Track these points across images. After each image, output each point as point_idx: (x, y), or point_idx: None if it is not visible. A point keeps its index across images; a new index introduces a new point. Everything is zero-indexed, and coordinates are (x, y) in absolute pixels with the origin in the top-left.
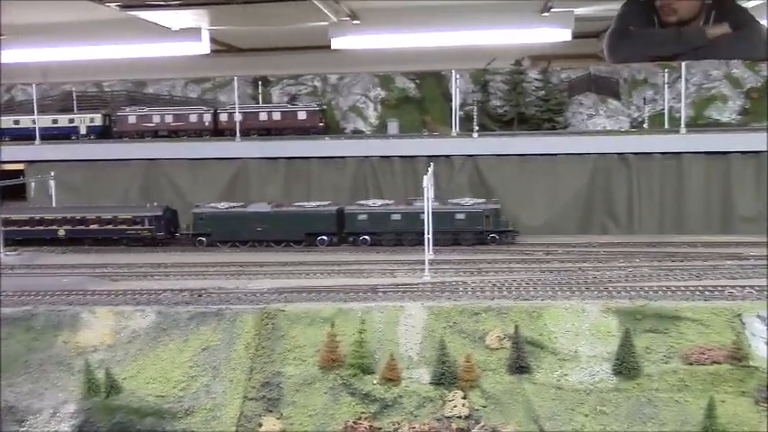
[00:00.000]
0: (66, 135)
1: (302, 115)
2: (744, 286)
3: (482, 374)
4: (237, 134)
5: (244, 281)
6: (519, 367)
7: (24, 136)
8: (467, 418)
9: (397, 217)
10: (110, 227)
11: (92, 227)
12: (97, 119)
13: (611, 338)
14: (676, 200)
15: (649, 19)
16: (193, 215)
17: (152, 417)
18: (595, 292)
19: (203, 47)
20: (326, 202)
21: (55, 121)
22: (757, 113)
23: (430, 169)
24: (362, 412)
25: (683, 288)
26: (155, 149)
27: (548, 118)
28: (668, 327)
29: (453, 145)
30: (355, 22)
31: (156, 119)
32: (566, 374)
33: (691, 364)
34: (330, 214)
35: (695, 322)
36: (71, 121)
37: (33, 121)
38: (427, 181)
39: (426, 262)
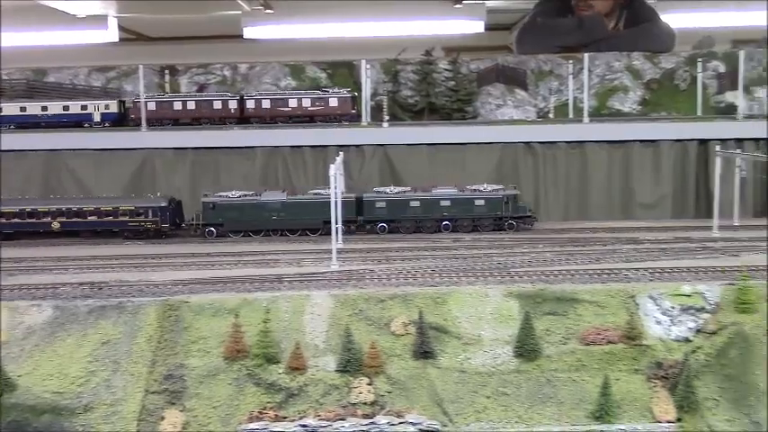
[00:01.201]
0: (79, 123)
1: (334, 102)
2: (638, 269)
3: (387, 360)
4: (243, 120)
5: (147, 273)
6: (423, 352)
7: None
8: (372, 403)
9: (415, 204)
10: (110, 219)
11: (90, 218)
12: (112, 105)
13: (513, 322)
14: (580, 187)
15: (565, 15)
16: (203, 204)
17: (49, 414)
18: (498, 278)
19: (111, 35)
20: (343, 190)
21: (66, 108)
22: (656, 104)
23: (338, 158)
24: (268, 402)
25: (581, 272)
26: (56, 140)
27: (457, 108)
28: (567, 309)
29: (364, 134)
30: (268, 11)
31: (178, 106)
32: (469, 358)
33: (587, 344)
34: (349, 202)
35: (592, 304)
36: (84, 107)
37: (44, 108)
38: (334, 170)
39: (334, 251)
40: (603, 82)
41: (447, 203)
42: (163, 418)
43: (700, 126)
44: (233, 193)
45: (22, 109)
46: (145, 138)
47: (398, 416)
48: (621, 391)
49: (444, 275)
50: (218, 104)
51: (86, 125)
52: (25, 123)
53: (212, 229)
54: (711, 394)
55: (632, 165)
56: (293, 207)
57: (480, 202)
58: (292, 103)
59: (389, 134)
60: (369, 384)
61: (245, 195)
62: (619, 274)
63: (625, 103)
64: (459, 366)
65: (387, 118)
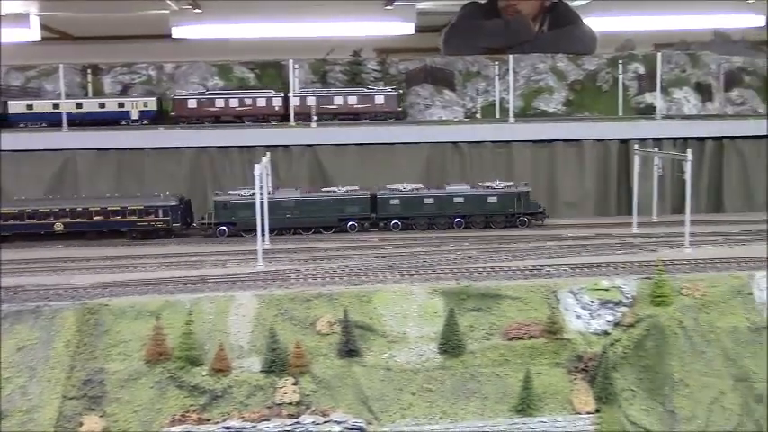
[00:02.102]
0: (116, 121)
1: (380, 100)
2: (560, 265)
3: (313, 360)
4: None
5: (66, 276)
6: (349, 351)
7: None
8: (297, 403)
9: (429, 201)
10: (118, 218)
11: (95, 219)
12: (151, 103)
13: (438, 319)
14: None
15: (491, 17)
16: (215, 203)
17: None
18: (424, 275)
19: (33, 33)
20: (355, 187)
21: (102, 105)
22: (579, 104)
23: (264, 158)
24: (191, 405)
25: (505, 268)
26: None
27: None
28: (491, 305)
29: (291, 135)
30: (197, 10)
31: (220, 103)
32: (394, 356)
33: (510, 339)
34: (364, 199)
35: (515, 300)
36: (121, 105)
37: (78, 106)
38: (259, 170)
39: (259, 251)
40: (529, 83)
41: (460, 200)
42: (81, 424)
43: (620, 126)
44: (245, 191)
45: (56, 106)
46: (65, 139)
47: (324, 415)
48: (543, 385)
49: (371, 274)
50: (261, 102)
51: (123, 123)
52: (58, 121)
53: (224, 228)
54: (629, 385)
55: (556, 164)
56: (307, 205)
57: (493, 199)
58: (338, 100)
59: (318, 134)
60: (294, 384)
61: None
62: (541, 270)
63: (550, 104)
64: (385, 364)
65: (315, 118)
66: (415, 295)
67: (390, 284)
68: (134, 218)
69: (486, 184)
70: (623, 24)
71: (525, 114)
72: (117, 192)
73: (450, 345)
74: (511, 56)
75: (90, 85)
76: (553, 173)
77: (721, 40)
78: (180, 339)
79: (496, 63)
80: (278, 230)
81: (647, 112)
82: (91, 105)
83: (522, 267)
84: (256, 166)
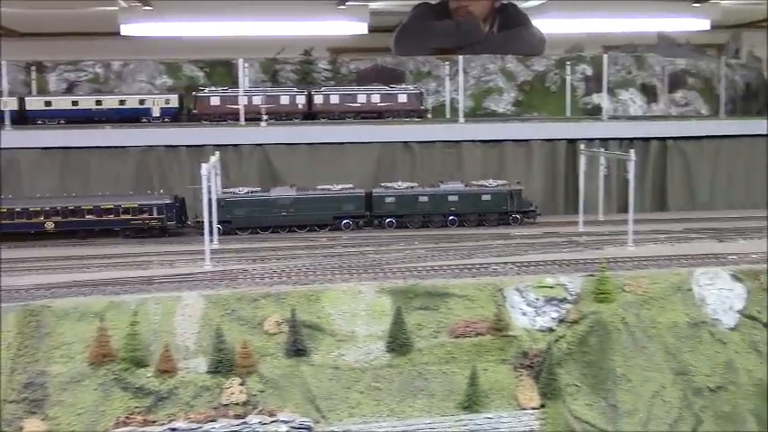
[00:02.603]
0: (136, 118)
1: (403, 98)
2: (507, 263)
3: (260, 360)
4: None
5: (13, 278)
6: (296, 350)
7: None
8: (244, 404)
9: (424, 199)
10: (111, 217)
11: (88, 217)
12: (173, 100)
13: (386, 317)
14: None
15: (442, 18)
16: None
17: None
18: (372, 274)
19: None
20: (350, 185)
21: (122, 102)
22: (528, 105)
23: (213, 157)
24: (136, 407)
25: (453, 266)
26: None
27: None
28: (438, 303)
29: (241, 134)
30: (147, 8)
31: (244, 100)
32: (342, 354)
33: (457, 337)
34: (358, 197)
35: (462, 298)
36: (142, 102)
37: (98, 102)
38: (206, 169)
39: (207, 251)
40: (479, 83)
41: (455, 198)
42: (21, 428)
43: (568, 126)
44: (241, 189)
45: (74, 103)
46: (8, 137)
47: (270, 415)
48: (489, 381)
49: (319, 273)
50: (285, 100)
51: (144, 120)
52: (77, 118)
53: (219, 226)
54: (573, 380)
55: (506, 163)
56: (303, 203)
57: (487, 197)
58: (361, 98)
59: (268, 133)
60: (241, 384)
61: (254, 192)
62: (488, 269)
63: (499, 104)
64: (333, 363)
65: (265, 117)
66: (364, 294)
67: (339, 284)
68: (128, 216)
69: (480, 182)
70: (573, 27)
71: (475, 114)
72: (62, 193)
73: (398, 343)
74: (461, 56)
75: (34, 82)
76: (503, 172)
77: (666, 43)
78: (125, 340)
79: (447, 63)
80: (273, 228)
81: (595, 112)
82: (111, 102)
83: (469, 266)
84: (203, 165)
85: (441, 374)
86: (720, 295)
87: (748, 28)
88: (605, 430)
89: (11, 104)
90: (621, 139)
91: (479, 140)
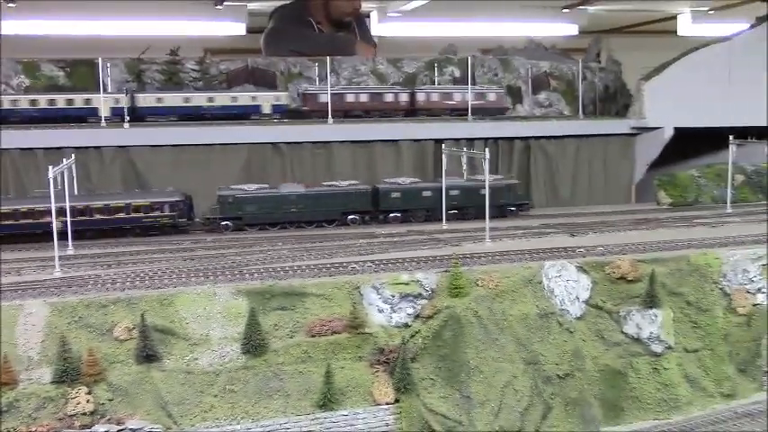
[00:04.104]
0: (246, 115)
1: (492, 96)
2: (365, 261)
3: (109, 367)
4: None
5: None
6: (147, 356)
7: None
8: (92, 413)
9: (428, 193)
10: (121, 215)
11: (97, 217)
12: (283, 97)
13: (242, 319)
14: None
15: (304, 20)
16: (220, 198)
17: None
18: (229, 276)
19: None
20: (357, 181)
21: (234, 99)
22: None
23: (65, 161)
24: None
25: (312, 266)
26: None
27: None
28: (295, 303)
29: (102, 136)
30: (10, 5)
31: (351, 98)
32: (196, 358)
33: (313, 336)
34: (365, 192)
35: (320, 297)
36: (253, 99)
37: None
38: (53, 173)
39: (56, 257)
40: (351, 85)
41: (456, 192)
42: None
43: (434, 127)
44: (249, 186)
45: (186, 100)
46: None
47: (119, 423)
48: (346, 379)
49: (174, 277)
50: (389, 97)
51: (254, 117)
52: (190, 115)
53: (228, 222)
54: (428, 374)
55: (375, 163)
56: (312, 199)
57: (485, 192)
58: (457, 97)
59: (130, 135)
60: (88, 393)
61: (262, 188)
62: (347, 267)
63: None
64: (186, 368)
65: (128, 118)
66: (218, 296)
67: (193, 287)
68: (139, 214)
69: (477, 177)
70: (451, 30)
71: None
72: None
73: (253, 344)
74: (328, 57)
75: None
76: (372, 172)
77: (534, 47)
78: None
79: (316, 64)
80: (281, 224)
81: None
82: (223, 99)
83: (328, 265)
84: (50, 168)
85: (297, 374)
86: (567, 287)
87: (614, 34)
88: (459, 421)
89: (123, 101)
90: (486, 139)
91: (349, 141)
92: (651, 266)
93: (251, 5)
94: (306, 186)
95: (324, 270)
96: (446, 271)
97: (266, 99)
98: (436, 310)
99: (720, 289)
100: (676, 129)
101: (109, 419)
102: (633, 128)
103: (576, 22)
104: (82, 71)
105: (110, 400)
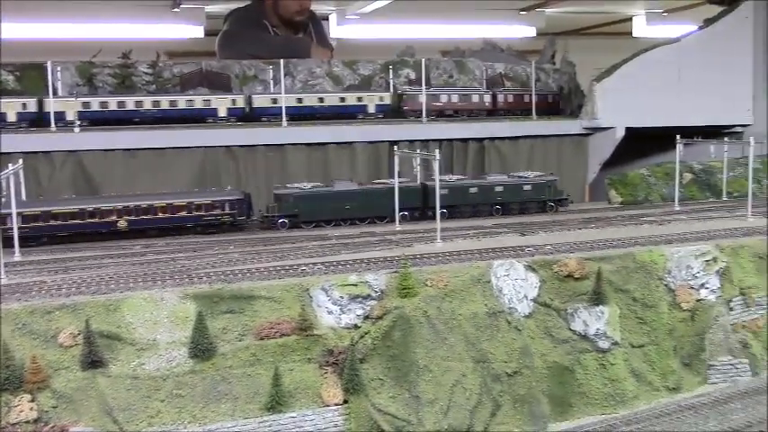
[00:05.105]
0: (353, 115)
1: (549, 98)
2: (316, 263)
3: (54, 374)
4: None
5: None
6: (92, 362)
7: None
8: (35, 421)
9: (474, 190)
10: (183, 214)
11: (160, 215)
12: (386, 98)
13: (190, 323)
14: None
15: (260, 23)
16: (278, 197)
17: None
18: (177, 280)
19: None
20: (407, 179)
21: (342, 100)
22: None
23: (11, 166)
24: None
25: (263, 269)
26: None
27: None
28: (244, 306)
29: (51, 140)
30: None
31: (444, 98)
32: (143, 364)
33: (262, 338)
34: (416, 190)
35: (269, 300)
36: (359, 99)
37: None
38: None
39: (1, 264)
40: (306, 87)
41: (500, 189)
42: None
43: (389, 128)
44: (305, 184)
45: (299, 100)
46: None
47: (62, 430)
48: (295, 381)
49: (121, 282)
50: (475, 98)
51: (360, 117)
52: (302, 115)
53: (285, 220)
54: (377, 375)
55: (330, 166)
56: (365, 196)
57: (528, 188)
58: (526, 98)
59: (81, 139)
60: (31, 401)
61: (317, 187)
62: (297, 270)
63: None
64: (132, 373)
65: (78, 122)
66: (166, 301)
67: (140, 291)
68: (201, 213)
69: (519, 174)
70: (410, 32)
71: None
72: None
73: (200, 348)
74: (281, 60)
75: None
76: (326, 174)
77: (490, 48)
78: None
79: (271, 67)
80: (335, 221)
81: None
82: (332, 99)
83: (278, 268)
84: None
85: (245, 377)
86: (516, 285)
87: (571, 35)
88: (408, 420)
89: (240, 102)
90: (441, 140)
91: (303, 143)
92: (598, 264)
93: (209, 8)
94: (359, 184)
95: (274, 273)
96: (395, 272)
97: (371, 99)
98: (385, 310)
99: (665, 285)
100: (628, 129)
101: (53, 427)
102: (585, 128)
103: (533, 24)
104: (32, 75)
105: (54, 408)
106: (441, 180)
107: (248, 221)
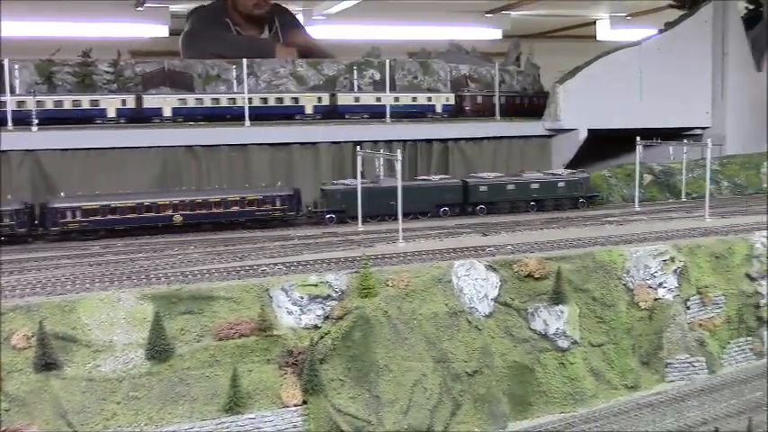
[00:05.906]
0: (422, 114)
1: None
2: (276, 264)
3: (6, 377)
4: None
5: None
6: (46, 364)
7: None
8: None
9: (511, 187)
10: (236, 209)
11: (214, 210)
12: (451, 98)
13: (147, 324)
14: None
15: (221, 22)
16: (326, 192)
17: None
18: (135, 281)
19: None
20: (448, 176)
21: (414, 99)
22: None
23: None
24: None
25: (222, 270)
26: None
27: None
28: (203, 307)
29: (6, 140)
30: None
31: (479, 99)
32: (98, 365)
33: (221, 339)
34: (457, 186)
35: (228, 300)
36: (429, 99)
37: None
38: None
39: None
40: (270, 87)
41: (536, 186)
42: None
43: (353, 129)
44: (352, 181)
45: (378, 99)
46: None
47: None
48: (254, 382)
49: (78, 283)
50: (517, 99)
51: (429, 116)
52: (379, 113)
53: (332, 215)
54: (337, 375)
55: (294, 166)
56: (410, 192)
57: (562, 185)
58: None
59: (38, 139)
60: None
61: (363, 183)
62: (257, 270)
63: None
64: (87, 375)
65: (36, 122)
66: (123, 302)
67: (96, 292)
68: (253, 207)
69: (552, 171)
70: (377, 33)
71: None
72: None
73: (157, 350)
74: (244, 60)
75: None
76: (291, 175)
77: (455, 50)
78: None
79: (234, 66)
80: (381, 216)
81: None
82: (406, 99)
83: (238, 268)
84: None
85: (203, 378)
86: (476, 285)
87: (537, 38)
88: (368, 420)
89: (325, 99)
90: (405, 141)
91: (267, 143)
92: (558, 264)
93: (173, 7)
94: (404, 180)
95: (233, 273)
96: (356, 272)
97: (438, 99)
98: (346, 310)
99: (624, 284)
100: (590, 130)
101: (5, 430)
102: (548, 129)
103: (499, 27)
104: None
105: (6, 411)
106: (480, 178)
107: (297, 216)
